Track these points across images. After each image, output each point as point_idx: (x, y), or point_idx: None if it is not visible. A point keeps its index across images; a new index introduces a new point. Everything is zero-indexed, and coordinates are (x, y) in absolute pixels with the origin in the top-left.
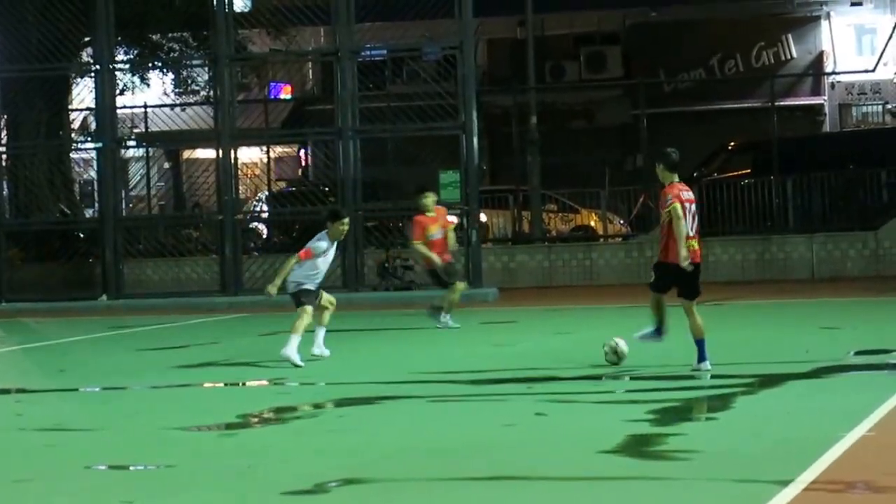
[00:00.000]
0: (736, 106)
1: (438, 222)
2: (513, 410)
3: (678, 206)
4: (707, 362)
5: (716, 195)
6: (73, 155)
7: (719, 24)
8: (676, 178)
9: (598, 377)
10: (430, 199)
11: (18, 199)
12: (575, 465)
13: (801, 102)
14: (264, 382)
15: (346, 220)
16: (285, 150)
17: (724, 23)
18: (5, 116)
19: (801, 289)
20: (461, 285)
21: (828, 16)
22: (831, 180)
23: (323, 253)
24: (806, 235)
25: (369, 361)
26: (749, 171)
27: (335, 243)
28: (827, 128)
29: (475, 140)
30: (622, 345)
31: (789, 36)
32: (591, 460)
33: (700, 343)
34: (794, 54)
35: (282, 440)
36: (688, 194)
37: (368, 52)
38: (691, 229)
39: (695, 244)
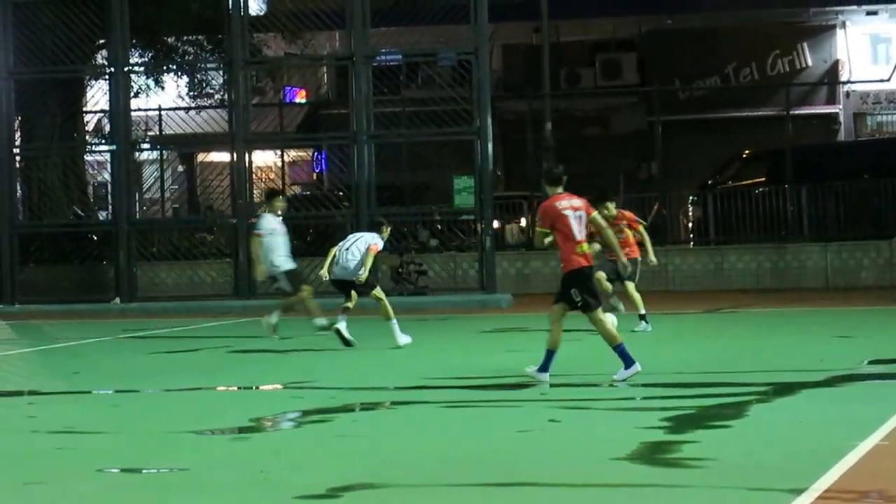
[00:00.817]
0: (751, 114)
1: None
2: (526, 417)
3: (545, 235)
4: (637, 365)
5: (730, 203)
6: (86, 157)
7: (735, 32)
8: (559, 190)
9: (611, 384)
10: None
11: (32, 202)
12: (588, 472)
13: (816, 111)
14: (278, 386)
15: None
16: (299, 153)
17: (740, 31)
18: (19, 118)
19: (815, 297)
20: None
21: (843, 25)
22: (846, 189)
23: None
24: (820, 244)
25: (383, 366)
26: (764, 179)
27: None
28: (842, 136)
29: (490, 146)
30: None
31: (804, 44)
32: (605, 467)
33: (619, 348)
34: (810, 63)
35: (295, 444)
36: (569, 202)
37: (383, 57)
38: (582, 234)
39: (586, 248)
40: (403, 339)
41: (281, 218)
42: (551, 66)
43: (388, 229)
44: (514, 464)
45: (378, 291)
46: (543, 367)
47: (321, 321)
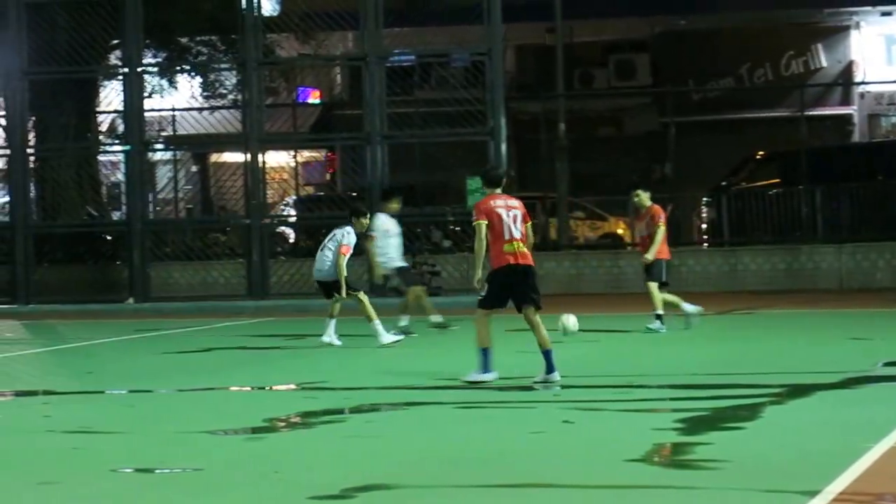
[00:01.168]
0: (765, 115)
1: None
2: (539, 418)
3: (482, 223)
4: (556, 373)
5: (744, 205)
6: (100, 157)
7: (748, 32)
8: (497, 190)
9: (625, 385)
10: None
11: (46, 201)
12: (601, 473)
13: (831, 112)
14: (291, 387)
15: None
16: (313, 154)
17: (754, 31)
18: (33, 118)
19: (829, 299)
20: None
21: (857, 25)
22: (860, 190)
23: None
24: (835, 245)
25: (396, 366)
26: (778, 180)
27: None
28: (856, 138)
29: (503, 146)
30: (569, 322)
31: (819, 45)
32: (618, 469)
33: (547, 354)
34: (824, 64)
35: (308, 445)
36: (503, 202)
37: (397, 58)
38: (514, 233)
39: (521, 247)
40: (388, 338)
41: (396, 218)
42: (564, 66)
43: (366, 219)
44: (528, 465)
45: (361, 294)
46: (484, 368)
47: (436, 318)
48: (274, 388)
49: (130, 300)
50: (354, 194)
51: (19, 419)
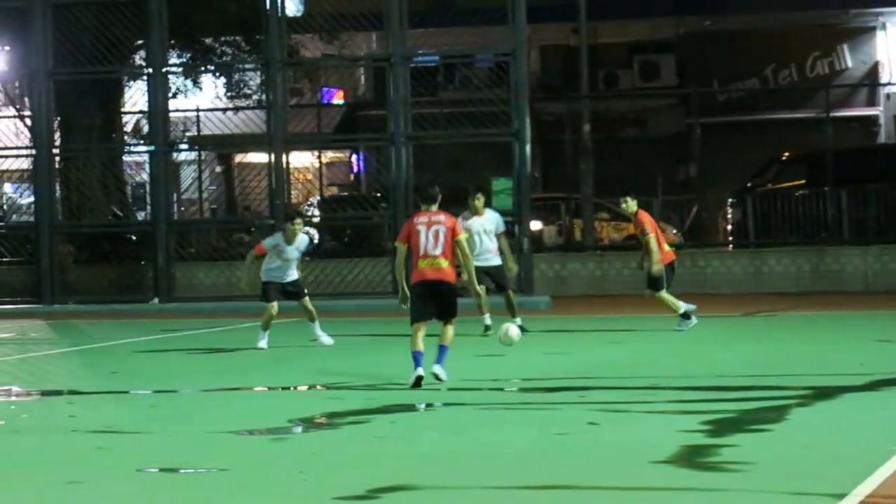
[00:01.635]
0: (790, 116)
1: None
2: (564, 419)
3: (399, 245)
4: (420, 370)
5: (770, 206)
6: (125, 158)
7: (773, 33)
8: (433, 207)
9: (651, 387)
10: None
11: (71, 202)
12: (627, 475)
13: (856, 113)
14: (317, 387)
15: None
16: (337, 154)
17: (779, 32)
18: (58, 119)
19: (855, 301)
20: None
21: (883, 26)
22: (886, 192)
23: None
24: (861, 247)
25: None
26: (803, 181)
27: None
28: (882, 139)
29: (528, 147)
30: (511, 331)
31: (844, 46)
32: (644, 471)
33: (443, 349)
34: (849, 64)
35: (333, 445)
36: (427, 218)
37: (421, 58)
38: (431, 250)
39: (437, 262)
40: (326, 339)
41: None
42: (589, 67)
43: (298, 225)
44: (553, 466)
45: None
46: (439, 360)
47: (489, 320)
48: (299, 388)
49: (155, 300)
50: (378, 195)
51: (45, 419)
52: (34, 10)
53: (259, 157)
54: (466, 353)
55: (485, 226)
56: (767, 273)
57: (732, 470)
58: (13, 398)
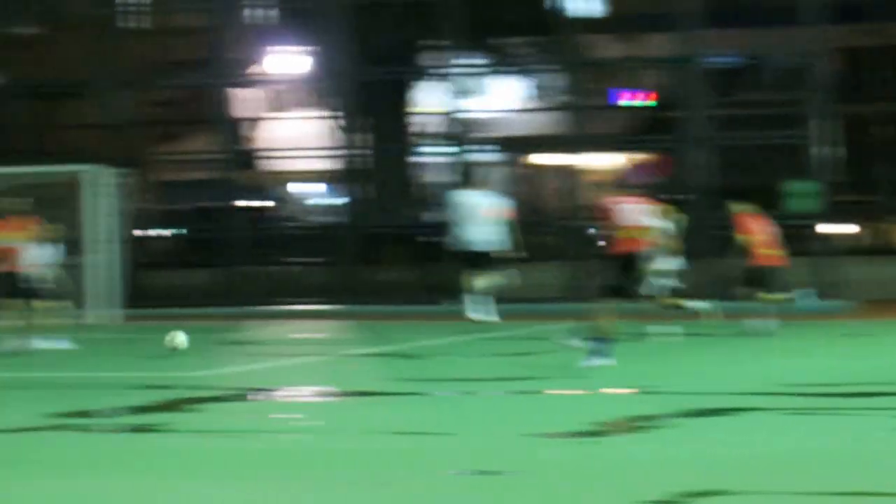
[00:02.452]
0: None
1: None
2: (869, 425)
3: None
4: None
5: None
6: (421, 159)
7: None
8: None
9: None
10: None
11: (371, 202)
12: None
13: None
14: (624, 390)
15: None
16: (636, 156)
17: None
18: (371, 119)
19: None
20: None
21: None
22: None
23: None
24: None
25: (720, 371)
26: None
27: None
28: None
29: (826, 150)
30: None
31: None
32: None
33: None
34: None
35: (638, 448)
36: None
37: (719, 59)
38: None
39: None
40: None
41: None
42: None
43: None
44: (859, 472)
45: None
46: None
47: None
48: (604, 390)
49: (446, 303)
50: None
51: (344, 420)
52: (332, 12)
53: (558, 159)
54: (763, 355)
55: None
56: None
57: None
58: (328, 399)
